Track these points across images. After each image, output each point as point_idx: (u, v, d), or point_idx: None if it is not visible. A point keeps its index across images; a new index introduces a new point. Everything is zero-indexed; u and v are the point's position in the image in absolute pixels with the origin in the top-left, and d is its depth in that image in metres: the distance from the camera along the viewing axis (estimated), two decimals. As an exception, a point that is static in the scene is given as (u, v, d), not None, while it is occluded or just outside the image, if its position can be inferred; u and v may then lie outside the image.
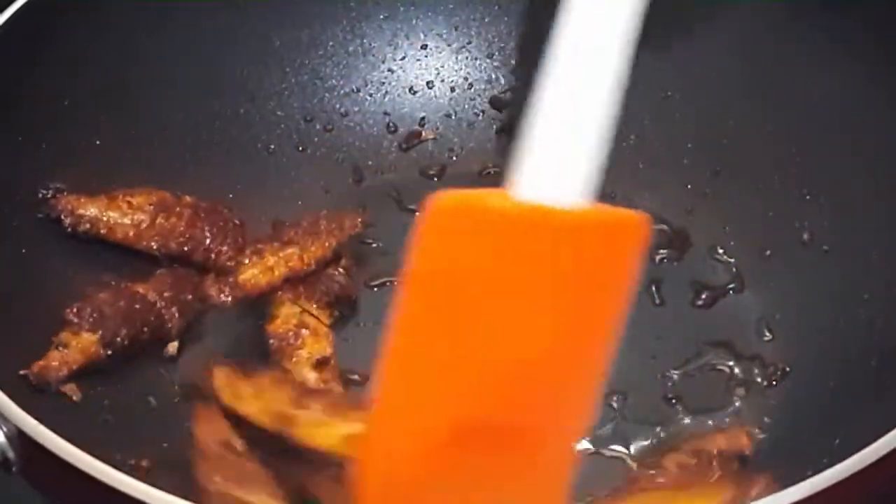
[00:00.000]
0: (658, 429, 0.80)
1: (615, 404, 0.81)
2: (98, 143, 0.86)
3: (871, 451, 0.61)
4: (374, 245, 0.89)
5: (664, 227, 0.90)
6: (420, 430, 0.64)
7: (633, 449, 0.79)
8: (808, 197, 0.87)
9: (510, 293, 0.63)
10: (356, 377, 0.82)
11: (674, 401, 0.81)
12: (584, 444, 0.79)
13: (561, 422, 0.66)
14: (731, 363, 0.83)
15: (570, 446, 0.68)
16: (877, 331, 0.79)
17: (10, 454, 0.65)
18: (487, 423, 0.64)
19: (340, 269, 0.84)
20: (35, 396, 0.72)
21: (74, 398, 0.75)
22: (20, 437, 0.64)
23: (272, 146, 0.93)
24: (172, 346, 0.82)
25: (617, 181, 0.91)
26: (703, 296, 0.86)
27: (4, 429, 0.65)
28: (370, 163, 0.94)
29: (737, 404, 0.81)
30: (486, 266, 0.62)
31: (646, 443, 0.79)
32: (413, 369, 0.64)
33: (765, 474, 0.68)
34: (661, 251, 0.89)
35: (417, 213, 0.89)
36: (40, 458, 0.63)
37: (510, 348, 0.63)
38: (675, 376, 0.82)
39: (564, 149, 0.62)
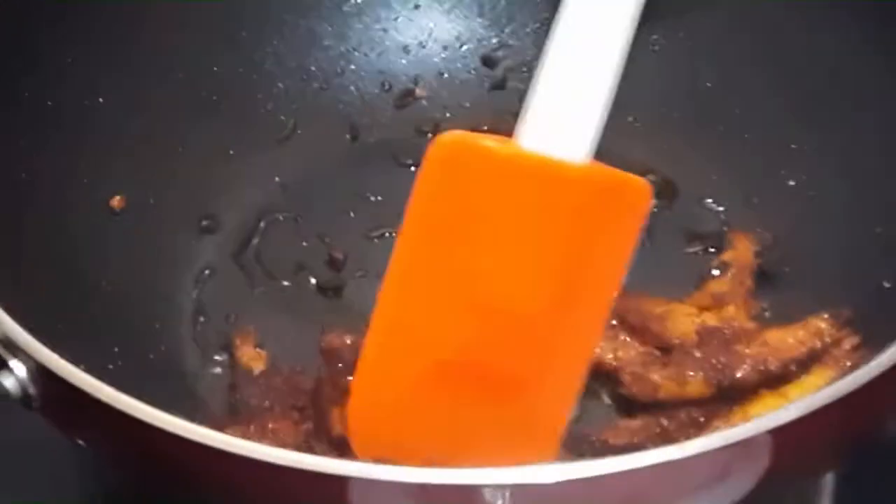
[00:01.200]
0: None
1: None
2: (101, 101, 0.88)
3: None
4: (372, 199, 0.92)
5: (653, 176, 0.91)
6: (409, 359, 0.67)
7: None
8: (793, 146, 0.89)
9: (507, 239, 0.65)
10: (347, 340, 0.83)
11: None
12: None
13: (550, 379, 0.68)
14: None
15: (559, 406, 0.69)
16: (863, 271, 0.81)
17: (32, 390, 0.65)
18: (475, 366, 0.66)
19: None
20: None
21: None
22: (40, 373, 0.64)
23: (270, 105, 0.95)
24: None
25: (605, 132, 0.93)
26: (693, 243, 0.88)
27: (26, 365, 0.65)
28: (366, 120, 0.96)
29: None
30: (484, 208, 0.64)
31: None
32: (408, 299, 0.66)
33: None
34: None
35: (413, 169, 0.92)
36: (62, 393, 0.64)
37: (503, 295, 0.65)
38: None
39: (570, 104, 0.63)
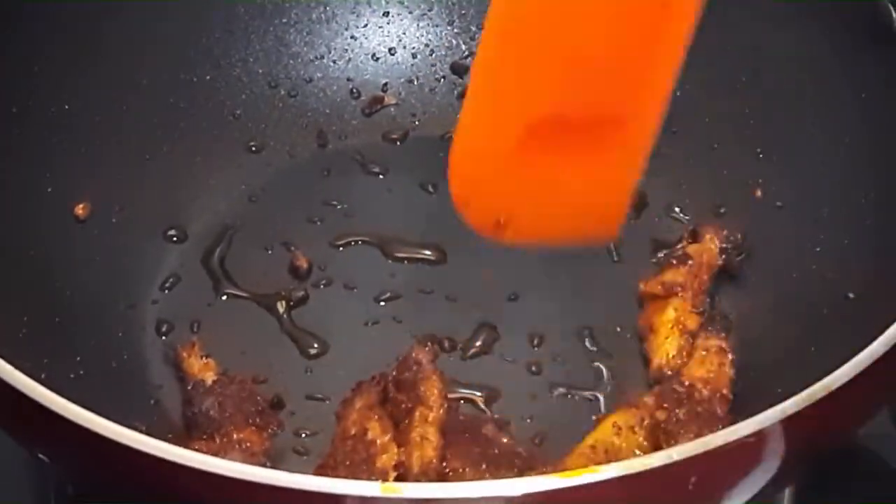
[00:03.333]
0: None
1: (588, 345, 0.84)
2: (67, 107, 0.87)
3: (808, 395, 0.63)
4: (339, 207, 0.91)
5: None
6: (505, 118, 0.68)
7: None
8: (760, 155, 0.89)
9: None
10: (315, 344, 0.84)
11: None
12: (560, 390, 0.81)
13: (635, 109, 0.71)
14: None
15: (645, 131, 0.72)
16: (828, 282, 0.81)
17: None
18: (565, 118, 0.68)
19: None
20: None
21: None
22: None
23: (238, 111, 0.95)
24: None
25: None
26: (661, 253, 0.88)
27: None
28: (334, 128, 0.96)
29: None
30: None
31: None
32: (499, 66, 0.67)
33: None
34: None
35: (381, 177, 0.92)
36: (15, 404, 0.63)
37: (590, 44, 0.67)
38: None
39: None
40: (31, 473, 0.82)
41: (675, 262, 0.84)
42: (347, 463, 0.73)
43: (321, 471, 0.74)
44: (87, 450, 0.63)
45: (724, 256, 0.85)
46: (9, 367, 0.64)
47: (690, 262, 0.84)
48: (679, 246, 0.86)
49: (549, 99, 0.67)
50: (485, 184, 0.69)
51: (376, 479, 0.72)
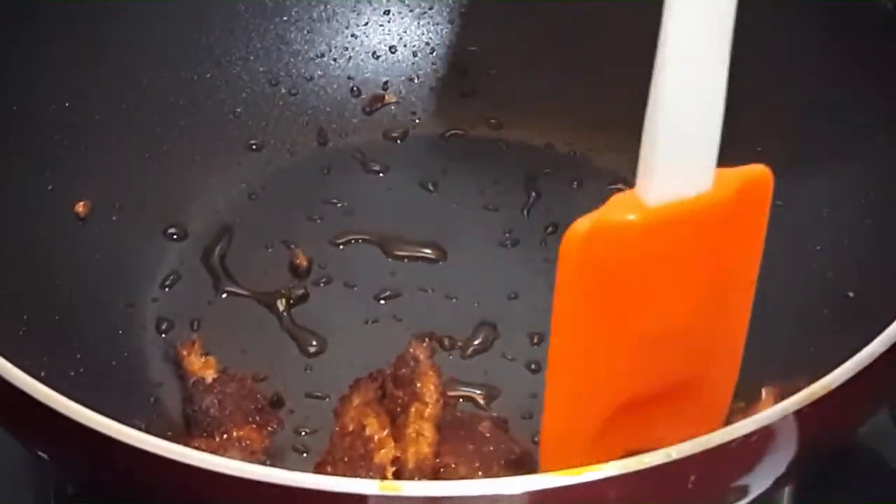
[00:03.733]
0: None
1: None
2: (67, 105, 0.87)
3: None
4: (339, 205, 0.91)
5: (622, 186, 0.92)
6: (586, 414, 0.66)
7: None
8: (760, 154, 0.88)
9: (659, 283, 0.64)
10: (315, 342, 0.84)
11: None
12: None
13: (717, 368, 0.69)
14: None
15: (725, 388, 0.71)
16: (827, 281, 0.81)
17: None
18: (650, 393, 0.67)
19: None
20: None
21: None
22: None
23: (238, 110, 0.94)
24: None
25: (577, 142, 0.94)
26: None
27: None
28: (334, 126, 0.96)
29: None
30: (632, 268, 0.63)
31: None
32: (575, 361, 0.65)
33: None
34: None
35: (381, 175, 0.92)
36: (14, 401, 0.63)
37: (664, 326, 0.65)
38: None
39: (693, 142, 0.61)
40: (30, 472, 0.82)
41: None
42: (345, 459, 0.73)
43: (320, 468, 0.74)
44: (87, 447, 0.63)
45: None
46: (8, 365, 0.64)
47: None
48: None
49: (628, 386, 0.66)
50: (574, 456, 0.66)
51: (374, 475, 0.72)
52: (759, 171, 0.65)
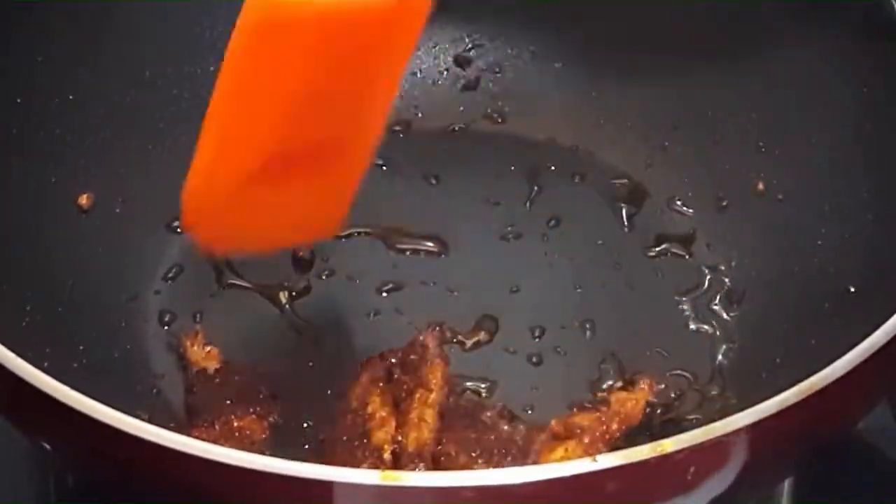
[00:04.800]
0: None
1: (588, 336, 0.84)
2: (71, 98, 0.88)
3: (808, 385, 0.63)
4: (342, 198, 0.92)
5: (625, 181, 0.92)
6: (233, 163, 0.72)
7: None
8: (763, 149, 0.89)
9: (312, 75, 0.69)
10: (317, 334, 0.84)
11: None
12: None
13: (353, 137, 0.74)
14: (687, 309, 0.85)
15: (359, 159, 0.76)
16: (829, 276, 0.81)
17: None
18: (291, 151, 0.71)
19: None
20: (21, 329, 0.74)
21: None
22: (3, 373, 0.64)
23: (241, 103, 0.95)
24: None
25: (579, 136, 0.95)
26: (662, 246, 0.88)
27: None
28: (337, 120, 0.96)
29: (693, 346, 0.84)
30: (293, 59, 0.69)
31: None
32: (227, 112, 0.71)
33: None
34: (622, 204, 0.91)
35: (385, 168, 0.93)
36: (18, 391, 0.64)
37: (311, 93, 0.70)
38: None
39: None
40: (31, 467, 0.82)
41: (588, 405, 0.79)
42: (345, 438, 0.74)
43: (321, 446, 0.75)
44: (90, 437, 0.63)
45: (646, 411, 0.79)
46: (11, 355, 0.64)
47: (604, 408, 0.78)
48: (606, 386, 0.82)
49: (276, 138, 0.71)
50: (214, 215, 0.74)
51: (370, 456, 0.73)
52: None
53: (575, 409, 0.78)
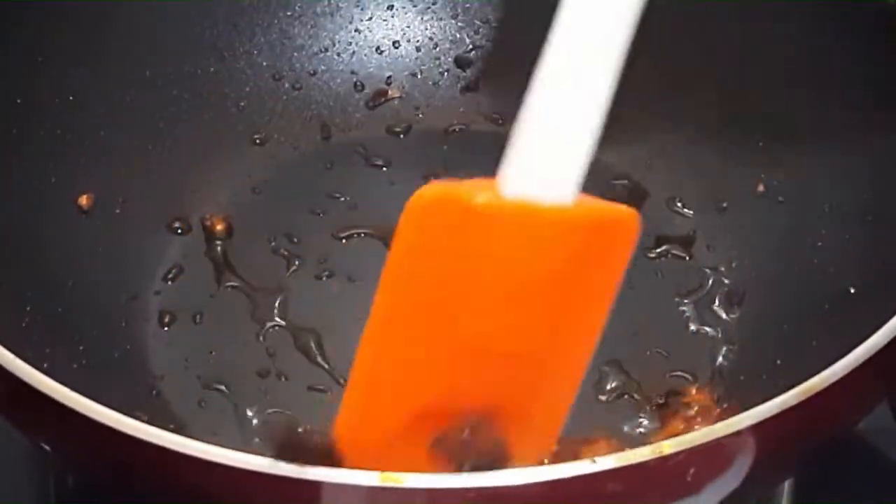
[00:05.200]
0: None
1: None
2: (71, 99, 0.88)
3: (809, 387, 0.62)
4: (342, 199, 0.92)
5: (625, 182, 0.92)
6: (392, 403, 0.64)
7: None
8: (763, 151, 0.89)
9: (492, 285, 0.61)
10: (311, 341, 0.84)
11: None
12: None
13: (538, 409, 0.66)
14: (687, 310, 0.85)
15: (548, 432, 0.67)
16: (829, 276, 0.81)
17: None
18: (459, 409, 0.64)
19: None
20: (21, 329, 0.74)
21: None
22: (2, 374, 0.64)
23: (242, 104, 0.95)
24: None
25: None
26: (662, 247, 0.88)
27: None
28: (338, 120, 0.96)
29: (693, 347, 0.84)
30: (468, 256, 0.61)
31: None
32: (390, 346, 0.63)
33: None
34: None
35: (385, 169, 0.93)
36: (16, 391, 0.63)
37: (488, 338, 0.62)
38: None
39: (557, 148, 0.60)
40: (31, 469, 0.82)
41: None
42: None
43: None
44: (88, 439, 0.63)
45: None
46: (10, 356, 0.64)
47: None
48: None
49: (438, 392, 0.63)
50: (368, 446, 0.65)
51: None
52: (626, 213, 0.62)
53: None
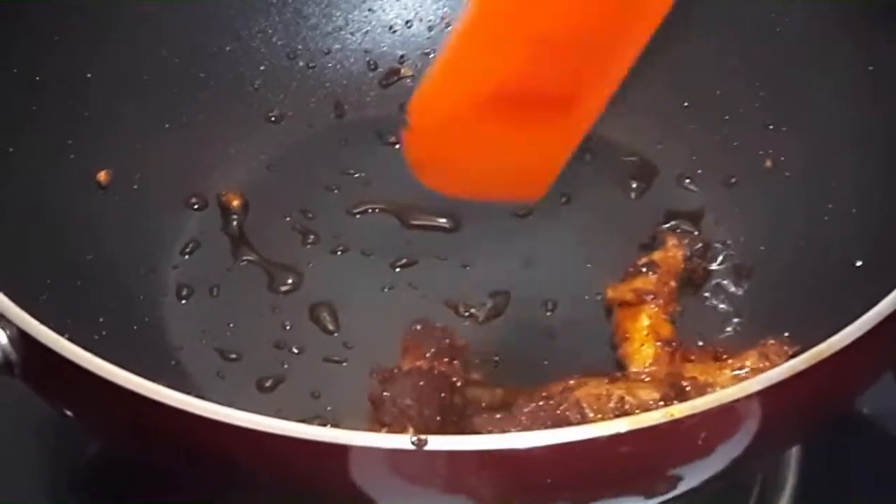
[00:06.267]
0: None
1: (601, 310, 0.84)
2: (89, 76, 0.89)
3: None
4: (356, 175, 0.93)
5: (634, 158, 0.93)
6: (469, 91, 0.72)
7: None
8: (771, 127, 0.90)
9: None
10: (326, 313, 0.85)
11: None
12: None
13: (589, 90, 0.75)
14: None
15: (591, 110, 0.76)
16: (836, 251, 0.82)
17: (13, 356, 0.66)
18: (527, 92, 0.72)
19: None
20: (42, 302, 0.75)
21: None
22: (22, 339, 0.65)
23: (257, 83, 0.96)
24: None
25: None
26: (672, 222, 0.89)
27: (7, 331, 0.66)
28: (351, 99, 0.97)
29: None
30: None
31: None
32: (474, 41, 0.70)
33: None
34: (632, 181, 0.92)
35: (397, 147, 0.94)
36: (42, 359, 0.65)
37: (560, 23, 0.69)
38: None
39: None
40: (43, 463, 0.85)
41: (643, 269, 0.83)
42: None
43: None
44: (115, 405, 0.64)
45: (687, 263, 0.84)
46: (35, 323, 0.65)
47: (660, 270, 0.83)
48: (643, 255, 0.85)
49: (515, 75, 0.71)
50: (438, 146, 0.74)
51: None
52: None
53: (624, 276, 0.83)
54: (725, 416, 0.62)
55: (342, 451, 0.60)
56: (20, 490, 0.84)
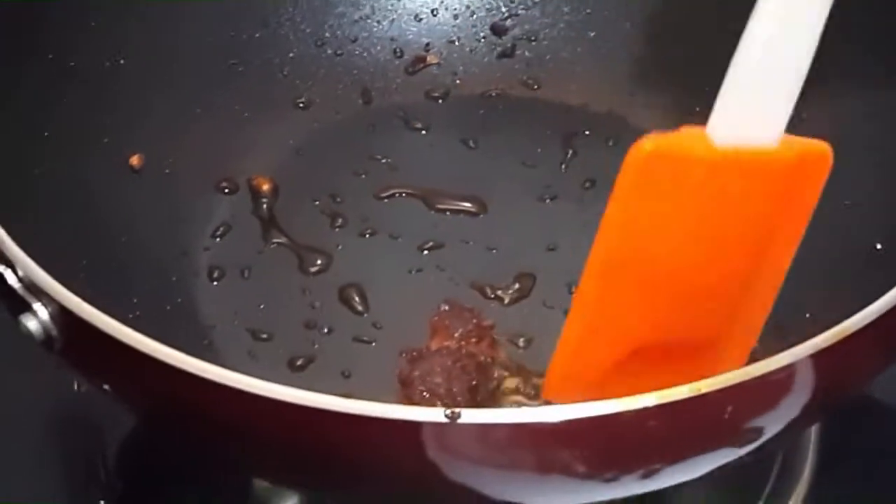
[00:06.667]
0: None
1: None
2: (122, 62, 0.90)
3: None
4: (383, 161, 0.94)
5: (651, 137, 0.94)
6: (608, 345, 0.68)
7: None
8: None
9: (704, 227, 0.65)
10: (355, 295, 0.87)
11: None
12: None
13: (734, 337, 0.70)
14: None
15: (739, 358, 0.71)
16: (856, 234, 0.83)
17: (54, 332, 0.67)
18: (669, 342, 0.68)
19: None
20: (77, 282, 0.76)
21: None
22: (63, 315, 0.66)
23: (285, 70, 0.97)
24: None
25: (612, 102, 0.97)
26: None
27: (49, 308, 0.67)
28: (378, 86, 0.98)
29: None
30: (683, 203, 0.64)
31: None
32: (607, 290, 0.67)
33: None
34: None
35: (424, 133, 0.95)
36: (83, 335, 0.66)
37: (699, 277, 0.66)
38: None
39: (767, 92, 0.62)
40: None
41: None
42: None
43: None
44: (151, 378, 0.65)
45: None
46: (76, 299, 0.66)
47: None
48: None
49: (651, 330, 0.67)
50: (580, 391, 0.69)
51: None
52: (821, 147, 0.65)
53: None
54: (750, 391, 0.63)
55: (382, 424, 0.61)
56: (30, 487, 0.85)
